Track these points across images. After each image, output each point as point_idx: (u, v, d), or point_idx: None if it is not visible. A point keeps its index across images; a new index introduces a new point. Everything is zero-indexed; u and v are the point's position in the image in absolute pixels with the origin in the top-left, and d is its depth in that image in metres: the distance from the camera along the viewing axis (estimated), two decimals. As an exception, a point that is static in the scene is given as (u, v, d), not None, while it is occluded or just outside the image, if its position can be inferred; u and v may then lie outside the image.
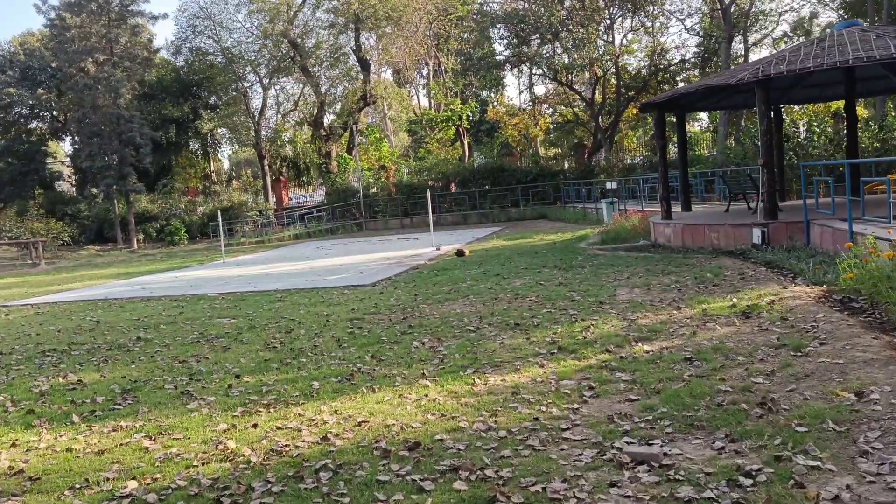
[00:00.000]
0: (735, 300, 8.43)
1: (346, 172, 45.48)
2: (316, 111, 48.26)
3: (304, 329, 9.64)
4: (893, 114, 26.26)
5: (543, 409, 5.28)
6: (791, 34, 47.22)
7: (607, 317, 8.38)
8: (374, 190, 42.45)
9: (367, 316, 10.26)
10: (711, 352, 6.32)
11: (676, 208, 17.88)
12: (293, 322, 10.29)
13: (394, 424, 5.19)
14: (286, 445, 4.96)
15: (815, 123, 26.35)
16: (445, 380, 6.33)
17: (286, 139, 51.81)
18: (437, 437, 4.84)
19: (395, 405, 5.72)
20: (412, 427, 5.11)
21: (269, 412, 5.84)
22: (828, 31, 24.43)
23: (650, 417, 4.87)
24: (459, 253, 18.26)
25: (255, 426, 5.47)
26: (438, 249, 20.62)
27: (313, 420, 5.50)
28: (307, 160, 50.36)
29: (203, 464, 4.76)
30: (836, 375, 5.24)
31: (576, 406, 5.29)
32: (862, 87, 18.21)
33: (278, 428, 5.39)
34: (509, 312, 9.39)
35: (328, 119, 50.55)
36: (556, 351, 7.02)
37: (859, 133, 21.45)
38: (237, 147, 60.65)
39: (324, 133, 47.85)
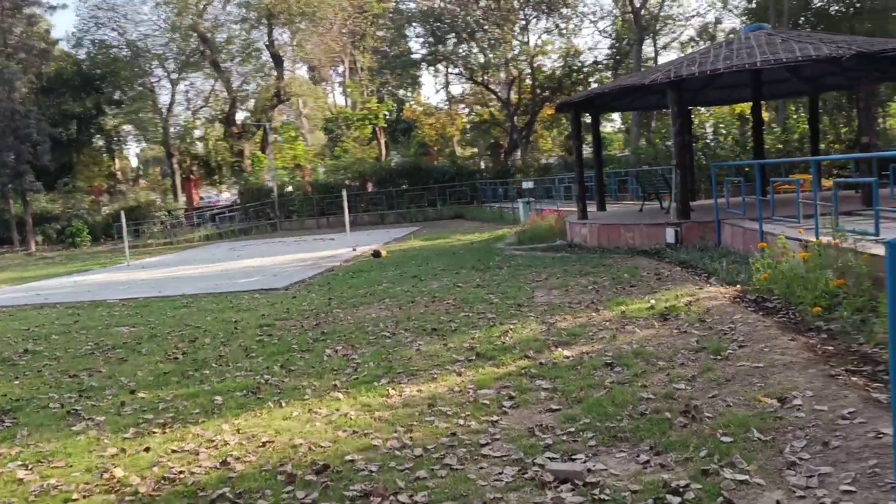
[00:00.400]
0: (653, 301, 8.37)
1: (261, 171, 44.31)
2: (228, 108, 46.84)
3: (210, 337, 9.08)
4: (794, 117, 27.32)
5: (461, 422, 5.00)
6: (697, 38, 48.70)
7: (526, 320, 8.18)
8: (290, 189, 41.51)
9: (279, 322, 9.78)
10: (632, 356, 6.18)
11: (592, 208, 17.99)
12: (198, 330, 9.70)
13: (301, 444, 4.80)
14: (181, 472, 4.50)
15: (722, 125, 27.14)
16: (359, 391, 5.97)
17: (197, 136, 50.09)
18: (348, 457, 4.49)
19: (303, 421, 5.32)
20: (321, 447, 4.73)
21: (165, 433, 5.35)
22: (731, 36, 25.16)
23: (572, 429, 4.64)
24: (376, 254, 17.88)
25: (147, 450, 4.97)
26: (355, 250, 20.17)
27: (213, 441, 5.05)
28: (219, 158, 48.81)
29: (84, 496, 4.26)
30: (758, 380, 5.15)
31: (495, 418, 5.02)
32: (768, 89, 18.77)
33: (173, 451, 4.92)
34: (426, 317, 9.10)
35: (241, 116, 49.19)
36: (474, 357, 6.76)
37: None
38: (145, 144, 58.29)
39: (236, 131, 46.51)
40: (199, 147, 49.99)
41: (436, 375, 6.28)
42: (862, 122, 12.85)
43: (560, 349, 6.72)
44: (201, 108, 50.21)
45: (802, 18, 35.52)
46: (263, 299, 12.27)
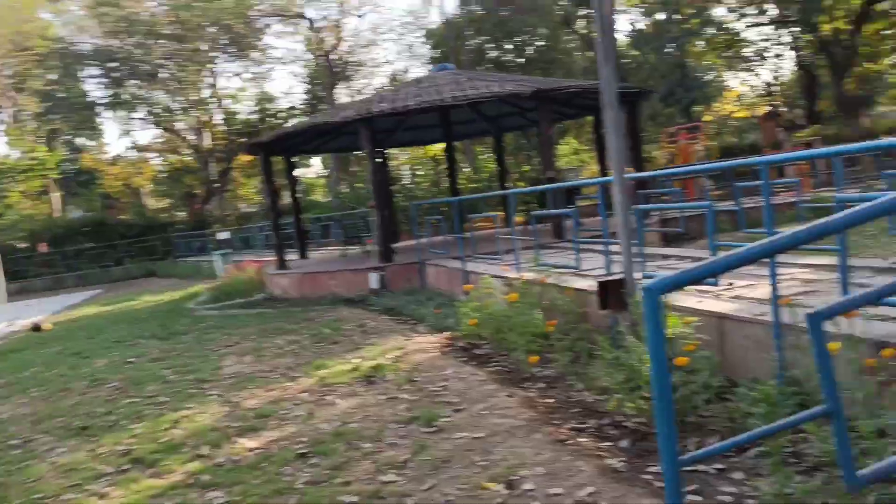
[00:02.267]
0: (357, 361, 7.30)
1: None
2: None
3: None
4: (482, 157, 28.76)
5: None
6: (389, 85, 50.35)
7: (206, 401, 6.65)
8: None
9: None
10: (332, 439, 4.99)
11: (295, 256, 16.82)
12: None
13: None
14: None
15: (419, 166, 27.70)
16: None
17: None
18: None
19: None
20: None
21: None
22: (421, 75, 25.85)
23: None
24: (36, 328, 14.88)
25: None
26: (10, 326, 16.74)
27: None
28: None
29: None
30: (479, 457, 4.23)
31: (140, 570, 3.52)
32: (456, 129, 19.16)
33: None
34: (78, 409, 7.13)
35: None
36: (129, 466, 5.11)
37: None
38: None
39: None
40: None
41: (68, 502, 4.55)
42: (545, 158, 13.24)
43: (244, 439, 5.33)
44: None
45: (479, 68, 38.14)
46: None
